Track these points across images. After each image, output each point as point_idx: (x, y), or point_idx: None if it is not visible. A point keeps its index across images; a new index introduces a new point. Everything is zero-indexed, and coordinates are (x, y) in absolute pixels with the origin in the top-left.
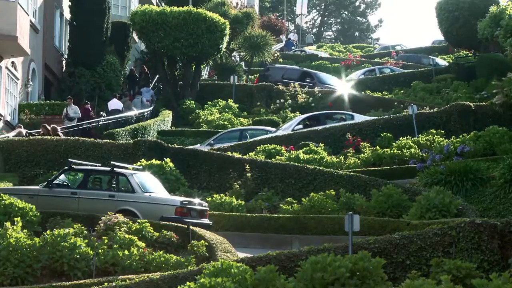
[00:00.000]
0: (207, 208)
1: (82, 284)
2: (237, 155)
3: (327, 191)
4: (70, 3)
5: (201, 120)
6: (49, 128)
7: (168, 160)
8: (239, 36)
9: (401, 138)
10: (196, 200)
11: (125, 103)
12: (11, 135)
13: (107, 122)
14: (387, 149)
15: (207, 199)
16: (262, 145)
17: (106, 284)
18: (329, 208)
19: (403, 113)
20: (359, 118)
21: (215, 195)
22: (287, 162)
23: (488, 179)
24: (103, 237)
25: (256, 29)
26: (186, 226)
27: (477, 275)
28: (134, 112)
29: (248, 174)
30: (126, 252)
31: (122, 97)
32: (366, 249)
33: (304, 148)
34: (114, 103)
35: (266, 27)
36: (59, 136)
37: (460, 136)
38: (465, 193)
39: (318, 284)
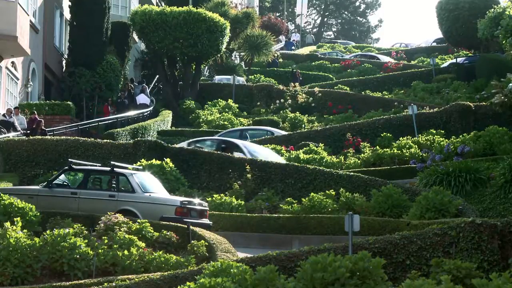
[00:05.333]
0: (207, 208)
1: (82, 284)
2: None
3: (327, 191)
4: (70, 3)
5: (201, 120)
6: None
7: (168, 160)
8: (239, 36)
9: (401, 138)
10: (196, 200)
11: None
12: None
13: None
14: (387, 149)
15: (207, 199)
16: (262, 145)
17: (106, 284)
18: (329, 208)
19: (403, 113)
20: None
21: (215, 195)
22: (287, 162)
23: (488, 179)
24: (103, 237)
25: (256, 29)
26: (186, 226)
27: (477, 275)
28: (134, 112)
29: (248, 174)
30: (126, 252)
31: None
32: (366, 249)
33: (304, 148)
34: (142, 98)
35: (266, 27)
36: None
37: (460, 136)
38: (465, 193)
39: (318, 284)
